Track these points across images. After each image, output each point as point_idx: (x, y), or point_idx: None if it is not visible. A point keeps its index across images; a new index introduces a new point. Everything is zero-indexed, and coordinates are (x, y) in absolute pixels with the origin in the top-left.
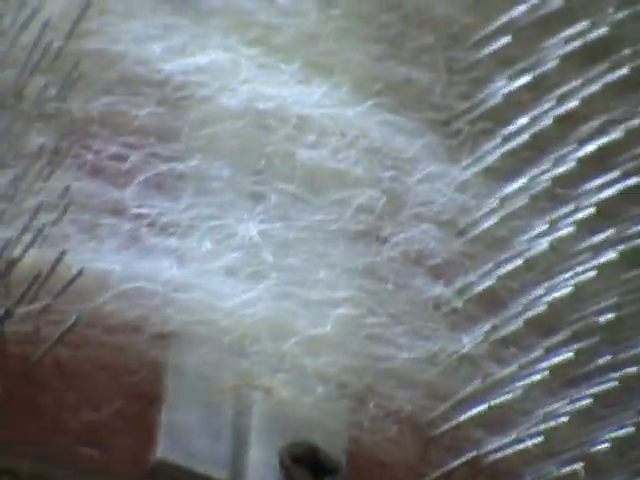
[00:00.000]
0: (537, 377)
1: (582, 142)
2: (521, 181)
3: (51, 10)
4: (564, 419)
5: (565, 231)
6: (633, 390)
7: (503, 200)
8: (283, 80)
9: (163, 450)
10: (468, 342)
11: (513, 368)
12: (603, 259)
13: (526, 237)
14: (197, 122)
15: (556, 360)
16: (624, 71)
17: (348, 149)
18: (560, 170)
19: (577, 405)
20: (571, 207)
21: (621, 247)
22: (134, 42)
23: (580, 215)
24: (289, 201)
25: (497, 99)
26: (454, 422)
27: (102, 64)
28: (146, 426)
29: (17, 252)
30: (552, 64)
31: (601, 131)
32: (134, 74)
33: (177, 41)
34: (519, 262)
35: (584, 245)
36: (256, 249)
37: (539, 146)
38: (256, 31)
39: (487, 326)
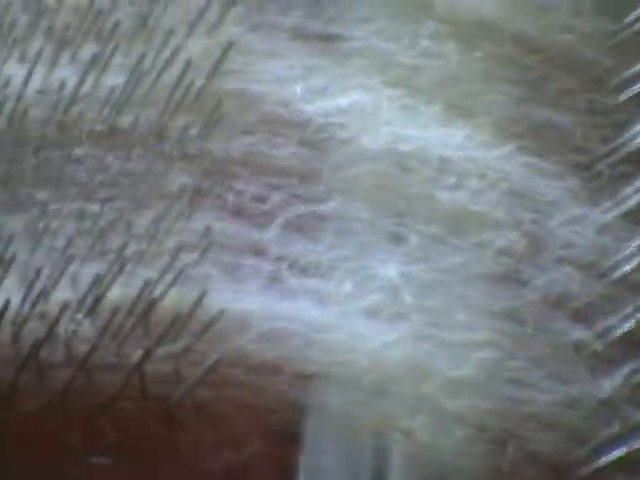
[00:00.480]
0: None
1: None
2: None
3: (192, 50)
4: None
5: None
6: None
7: None
8: (424, 122)
9: None
10: (608, 386)
11: None
12: None
13: None
14: (338, 163)
15: None
16: None
17: (489, 191)
18: None
19: None
20: None
21: None
22: (276, 82)
23: None
24: (429, 243)
25: (638, 142)
26: (594, 466)
27: (243, 104)
28: (286, 467)
29: (158, 292)
30: None
31: None
32: (275, 114)
33: (318, 82)
34: None
35: None
36: (396, 291)
37: None
38: (397, 72)
39: (627, 370)
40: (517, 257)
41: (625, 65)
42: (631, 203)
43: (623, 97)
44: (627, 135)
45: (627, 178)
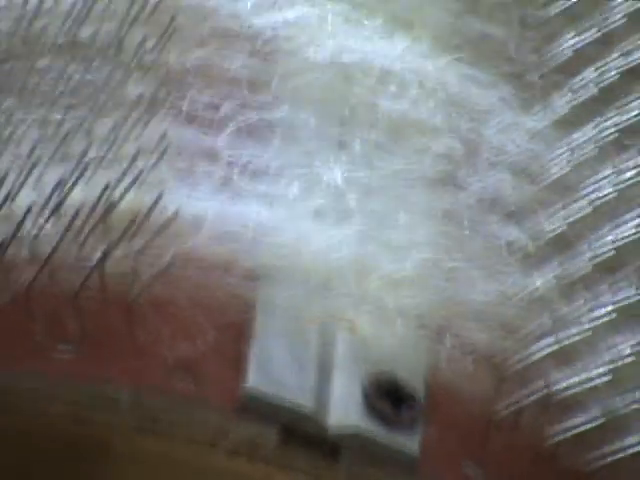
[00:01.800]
0: (603, 315)
1: None
2: (589, 131)
3: None
4: (630, 357)
5: (629, 176)
6: None
7: (572, 149)
8: (366, 35)
9: (253, 380)
10: (538, 282)
11: (581, 306)
12: None
13: (593, 183)
14: (285, 74)
15: (621, 298)
16: None
17: (427, 100)
18: (624, 119)
19: None
20: (635, 154)
21: None
22: None
23: None
24: (372, 149)
25: (566, 54)
26: (525, 358)
27: (196, 18)
28: (238, 358)
29: (117, 195)
30: (618, 20)
31: None
32: (226, 28)
33: None
34: (587, 207)
35: None
36: (341, 194)
37: (606, 98)
38: None
39: (557, 267)
40: (454, 162)
41: None
42: (560, 111)
43: (553, 11)
44: (556, 47)
45: (557, 87)
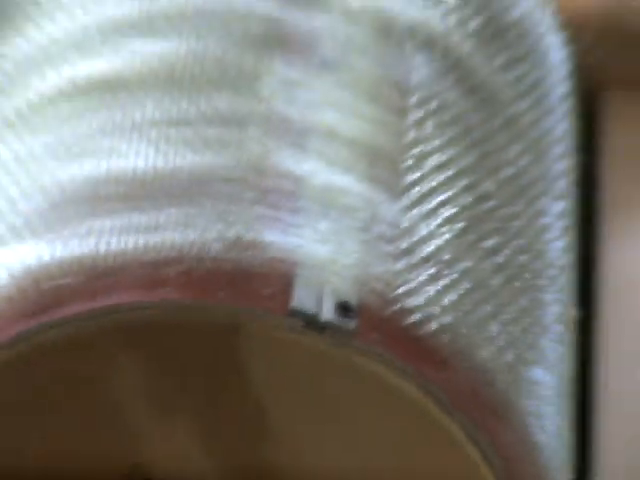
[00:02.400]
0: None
1: None
2: (427, 204)
3: None
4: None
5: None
6: None
7: (423, 213)
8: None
9: (295, 303)
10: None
11: (423, 272)
12: None
13: (427, 230)
14: None
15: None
16: None
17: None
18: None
19: None
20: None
21: None
22: None
23: None
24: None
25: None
26: (394, 293)
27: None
28: (289, 294)
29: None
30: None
31: None
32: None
33: None
34: (426, 247)
35: None
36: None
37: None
38: None
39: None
40: (372, 210)
41: None
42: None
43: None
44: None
45: (413, 186)
